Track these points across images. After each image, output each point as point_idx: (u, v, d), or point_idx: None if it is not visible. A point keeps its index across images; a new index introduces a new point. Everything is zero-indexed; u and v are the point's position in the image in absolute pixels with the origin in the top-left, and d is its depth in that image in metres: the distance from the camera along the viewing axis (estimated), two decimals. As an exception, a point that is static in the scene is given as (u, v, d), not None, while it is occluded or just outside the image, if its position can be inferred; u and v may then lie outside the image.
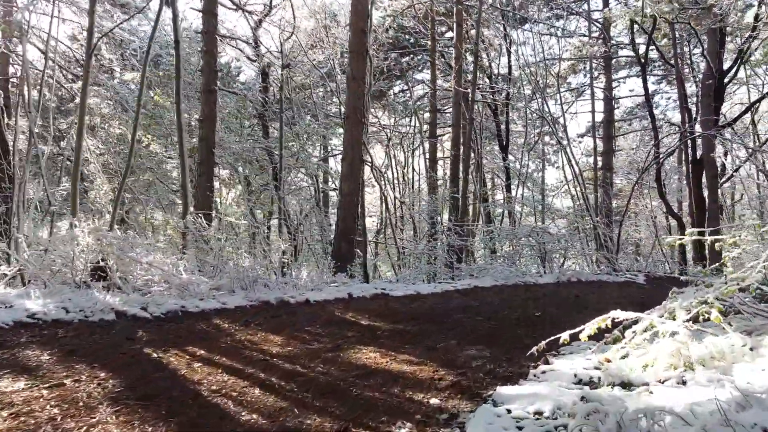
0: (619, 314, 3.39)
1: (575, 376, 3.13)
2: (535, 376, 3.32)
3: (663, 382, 2.69)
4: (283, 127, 10.97)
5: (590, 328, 3.45)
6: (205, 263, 6.81)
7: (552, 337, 3.48)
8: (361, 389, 3.14)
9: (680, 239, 3.66)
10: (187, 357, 3.74)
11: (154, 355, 3.76)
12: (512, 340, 4.92)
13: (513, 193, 16.73)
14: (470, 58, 15.38)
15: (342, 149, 9.81)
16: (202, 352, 3.93)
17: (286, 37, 11.25)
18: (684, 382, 2.61)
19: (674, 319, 3.39)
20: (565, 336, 3.34)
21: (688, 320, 3.07)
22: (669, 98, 22.17)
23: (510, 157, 17.16)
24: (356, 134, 9.38)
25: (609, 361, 3.59)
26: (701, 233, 3.95)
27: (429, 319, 6.03)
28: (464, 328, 5.47)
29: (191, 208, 8.73)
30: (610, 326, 3.55)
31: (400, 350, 4.22)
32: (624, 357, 3.53)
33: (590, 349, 4.12)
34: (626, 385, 2.82)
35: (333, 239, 9.72)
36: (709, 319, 3.17)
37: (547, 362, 3.71)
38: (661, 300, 8.58)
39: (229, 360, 3.72)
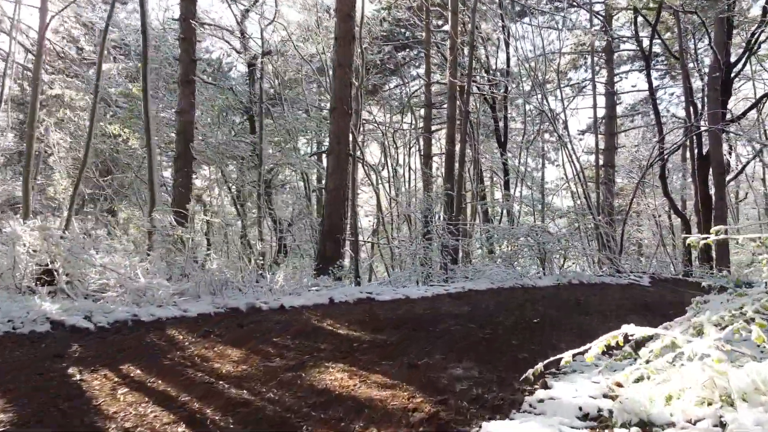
0: (631, 329, 2.79)
1: (580, 409, 2.52)
2: (530, 405, 2.71)
3: (695, 423, 2.09)
4: (265, 120, 10.36)
5: (597, 346, 2.85)
6: (173, 266, 6.20)
7: (551, 358, 2.89)
8: (315, 424, 2.53)
9: (705, 239, 3.06)
10: (116, 379, 3.14)
11: (77, 377, 3.16)
12: (506, 353, 4.32)
13: (511, 191, 16.12)
14: (467, 51, 14.76)
15: (328, 143, 9.20)
16: (138, 372, 3.33)
17: (266, 23, 10.63)
18: (723, 425, 2.01)
19: (700, 335, 2.80)
20: (567, 356, 2.74)
21: (720, 338, 2.47)
22: (672, 94, 21.59)
23: (509, 154, 16.53)
24: (343, 126, 8.78)
25: (620, 385, 2.99)
26: (725, 232, 3.35)
27: (415, 327, 5.43)
28: (453, 338, 4.87)
29: (164, 206, 8.13)
30: (621, 343, 2.96)
31: (374, 368, 3.62)
32: (638, 380, 2.94)
33: (597, 366, 3.52)
34: (646, 424, 2.22)
35: (318, 239, 9.11)
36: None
37: (545, 385, 3.10)
38: (670, 304, 7.96)
39: (165, 383, 3.11)
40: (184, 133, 9.30)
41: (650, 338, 3.09)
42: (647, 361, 2.80)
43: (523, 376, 2.92)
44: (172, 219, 6.69)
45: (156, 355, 3.77)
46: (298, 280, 7.14)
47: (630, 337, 2.78)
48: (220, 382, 3.16)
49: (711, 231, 3.09)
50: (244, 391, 3.00)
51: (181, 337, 4.42)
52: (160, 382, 3.13)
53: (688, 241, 3.14)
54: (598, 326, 5.84)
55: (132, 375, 3.26)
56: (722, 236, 3.05)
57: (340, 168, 8.80)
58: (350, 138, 12.54)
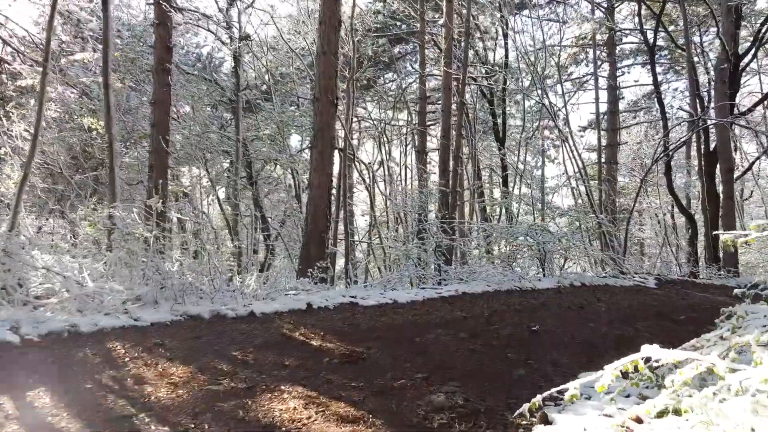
0: (655, 352, 2.18)
1: (591, 462, 1.91)
2: (526, 451, 2.10)
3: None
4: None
5: (610, 372, 2.25)
6: (133, 268, 5.59)
7: (552, 390, 2.28)
8: (241, 482, 1.92)
9: (745, 235, 2.44)
10: (10, 412, 2.53)
11: (-36, 408, 2.55)
12: (500, 370, 3.71)
13: (510, 189, 15.50)
14: (463, 43, 14.15)
15: (312, 136, 8.59)
16: (46, 400, 2.72)
17: (245, 6, 10.03)
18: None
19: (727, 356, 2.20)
20: (573, 388, 2.13)
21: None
22: (676, 89, 21.02)
23: (506, 150, 15.90)
24: (327, 118, 8.18)
25: (639, 421, 2.38)
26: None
27: (398, 337, 4.82)
28: (439, 351, 4.27)
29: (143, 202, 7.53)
30: (641, 369, 2.35)
31: (339, 392, 3.01)
32: (661, 414, 2.33)
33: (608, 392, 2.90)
34: (684, 492, 1.61)
35: (302, 239, 8.50)
36: None
37: (545, 420, 2.49)
38: (681, 308, 7.33)
39: (71, 416, 2.50)
40: (159, 126, 8.71)
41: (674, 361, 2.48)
42: (674, 392, 2.19)
43: (518, 412, 2.31)
44: (135, 216, 6.08)
45: (80, 377, 3.16)
46: (272, 283, 6.53)
47: (655, 363, 2.18)
48: (141, 415, 2.55)
49: (751, 227, 2.48)
50: (166, 429, 2.39)
51: (123, 351, 3.81)
52: (65, 414, 2.52)
53: (723, 239, 2.53)
54: (604, 336, 5.24)
55: (36, 404, 2.65)
56: (766, 233, 2.44)
57: (324, 163, 8.19)
58: (342, 133, 11.98)
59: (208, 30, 12.66)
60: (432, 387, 3.13)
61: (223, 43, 12.31)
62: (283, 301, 5.99)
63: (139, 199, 10.75)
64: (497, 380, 3.42)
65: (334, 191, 12.25)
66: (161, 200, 5.61)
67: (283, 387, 3.08)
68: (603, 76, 17.66)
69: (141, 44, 12.36)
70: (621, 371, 2.32)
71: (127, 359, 3.62)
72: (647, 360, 2.48)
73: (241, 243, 7.06)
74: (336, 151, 12.21)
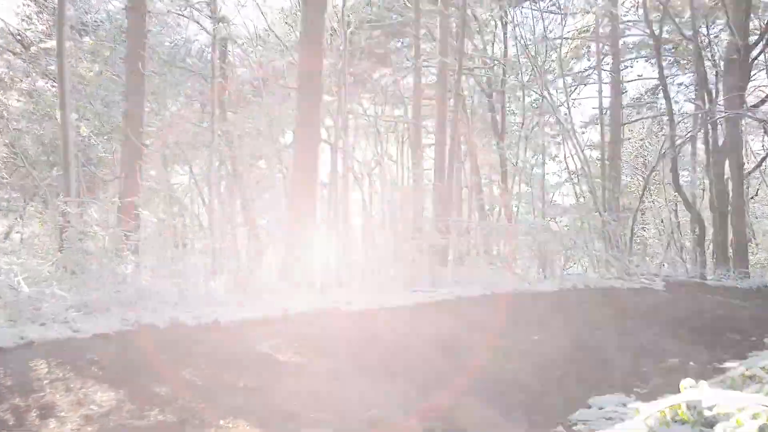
0: (705, 396, 1.59)
1: None
2: None
3: None
4: (218, 102, 9.21)
5: (643, 421, 1.66)
6: (85, 270, 4.99)
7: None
8: None
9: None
10: None
11: None
12: (494, 395, 3.10)
13: (509, 186, 14.89)
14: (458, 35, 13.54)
15: (295, 127, 7.99)
16: None
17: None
18: None
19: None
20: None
21: None
22: (680, 84, 20.33)
23: (505, 145, 15.29)
24: (310, 108, 7.55)
25: (680, 482, 1.78)
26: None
27: (379, 351, 4.21)
28: (424, 369, 3.67)
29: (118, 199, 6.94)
30: (682, 414, 1.76)
31: (291, 429, 2.40)
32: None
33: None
34: None
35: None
36: None
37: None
38: (694, 313, 6.71)
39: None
40: (130, 117, 8.09)
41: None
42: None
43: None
44: (93, 212, 5.48)
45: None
46: (248, 286, 5.93)
47: (704, 407, 1.57)
48: (18, 469, 1.94)
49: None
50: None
51: (45, 370, 3.19)
52: None
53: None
54: (615, 346, 4.64)
55: None
56: None
57: (307, 158, 7.56)
58: (334, 129, 11.36)
59: (191, 18, 12.06)
60: (409, 422, 2.53)
61: (209, 33, 11.70)
62: (255, 307, 5.38)
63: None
64: (491, 408, 2.82)
65: (327, 189, 11.66)
66: (118, 195, 5.01)
67: (222, 422, 2.48)
68: (606, 70, 17.05)
69: (122, 36, 11.79)
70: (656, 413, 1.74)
71: (46, 382, 3.01)
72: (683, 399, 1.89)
73: (216, 242, 6.47)
74: (328, 147, 11.63)
